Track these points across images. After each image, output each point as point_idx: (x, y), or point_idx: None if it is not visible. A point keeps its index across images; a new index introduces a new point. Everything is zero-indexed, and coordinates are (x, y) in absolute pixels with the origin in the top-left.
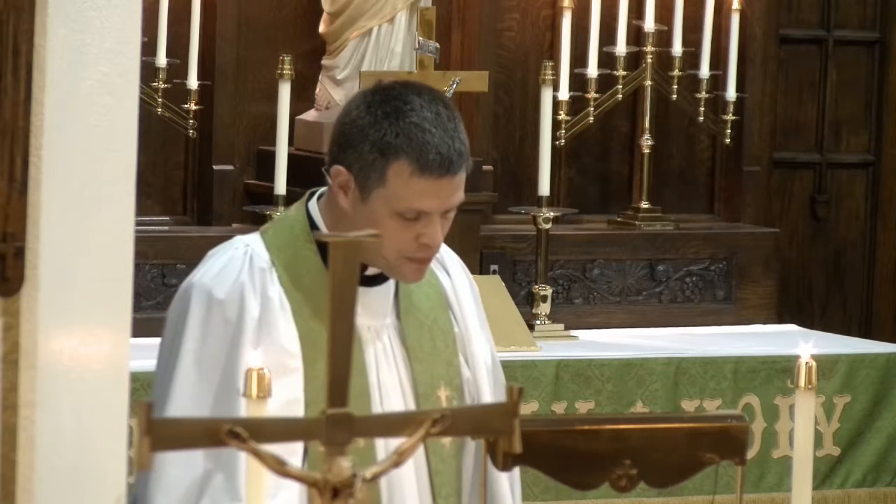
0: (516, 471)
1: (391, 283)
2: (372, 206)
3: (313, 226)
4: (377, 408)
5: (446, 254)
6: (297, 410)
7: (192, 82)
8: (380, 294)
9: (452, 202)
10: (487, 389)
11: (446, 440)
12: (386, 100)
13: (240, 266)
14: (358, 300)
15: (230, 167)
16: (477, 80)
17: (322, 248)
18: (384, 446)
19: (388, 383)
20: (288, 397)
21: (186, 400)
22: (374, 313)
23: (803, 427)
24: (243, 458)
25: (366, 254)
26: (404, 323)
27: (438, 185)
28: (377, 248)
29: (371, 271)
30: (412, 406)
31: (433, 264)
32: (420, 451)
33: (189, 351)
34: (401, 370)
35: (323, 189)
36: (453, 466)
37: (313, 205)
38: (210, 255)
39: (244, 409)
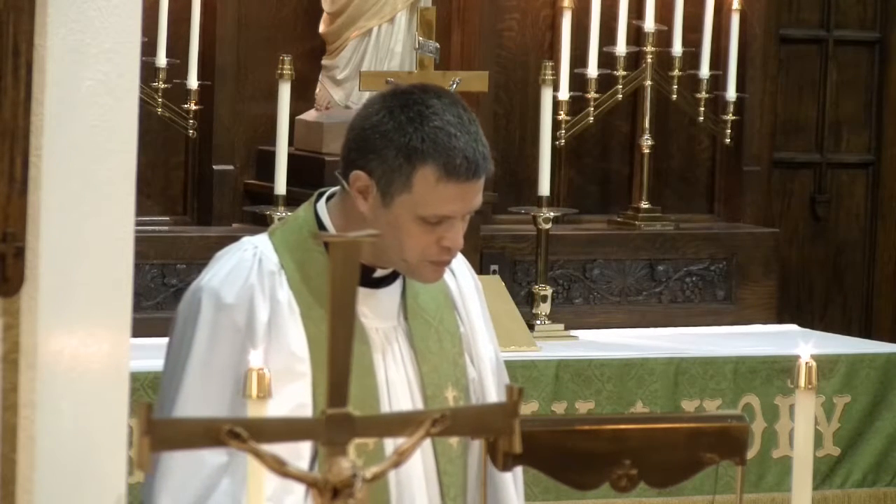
0: (519, 469)
1: (398, 285)
2: (395, 211)
3: (322, 227)
4: (386, 409)
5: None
6: (305, 416)
7: (192, 82)
8: (387, 296)
9: (474, 205)
10: (493, 389)
11: (454, 440)
12: (407, 104)
13: (249, 269)
14: (366, 302)
15: (230, 167)
16: (477, 80)
17: None
18: (393, 448)
19: (396, 385)
20: (296, 402)
21: (193, 405)
22: (382, 315)
23: (803, 427)
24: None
25: (386, 256)
26: (412, 324)
27: (464, 189)
28: (398, 251)
29: (379, 273)
30: (420, 406)
31: None
32: (429, 452)
33: (197, 356)
34: (409, 371)
35: (332, 190)
36: (460, 466)
37: (322, 206)
38: (218, 256)
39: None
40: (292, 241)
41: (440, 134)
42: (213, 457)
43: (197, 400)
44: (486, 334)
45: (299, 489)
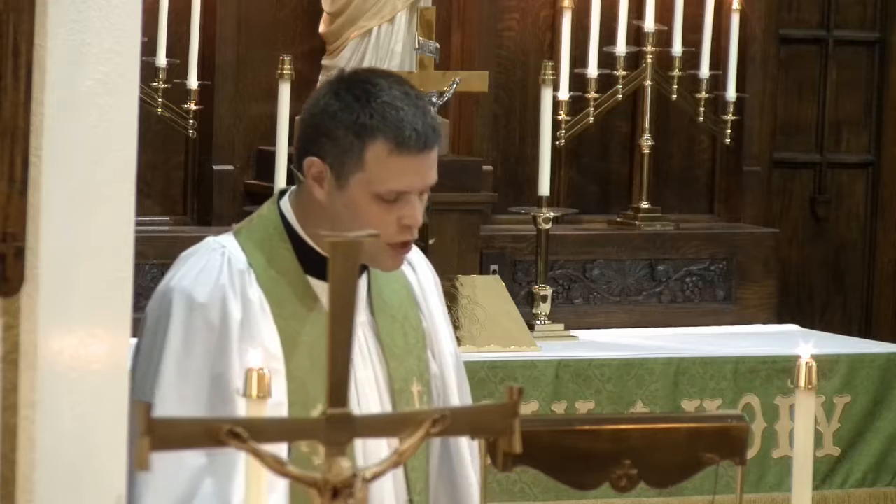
0: (475, 447)
1: (363, 281)
2: (350, 192)
3: (286, 224)
4: (354, 405)
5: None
6: (281, 413)
7: (192, 82)
8: None
9: (430, 179)
10: (453, 384)
11: None
12: (353, 84)
13: (219, 268)
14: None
15: (230, 167)
16: (477, 80)
17: (297, 247)
18: (362, 447)
19: (363, 380)
20: (273, 400)
21: (170, 406)
22: None
23: (803, 427)
24: (235, 462)
25: None
26: (378, 319)
27: (417, 161)
28: None
29: None
30: (387, 402)
31: None
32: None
33: (172, 357)
34: (376, 366)
35: (293, 187)
36: (424, 461)
37: (285, 203)
38: (184, 257)
39: (238, 413)
40: (258, 239)
41: (388, 108)
42: (192, 458)
43: (174, 400)
44: (446, 329)
45: (282, 487)
